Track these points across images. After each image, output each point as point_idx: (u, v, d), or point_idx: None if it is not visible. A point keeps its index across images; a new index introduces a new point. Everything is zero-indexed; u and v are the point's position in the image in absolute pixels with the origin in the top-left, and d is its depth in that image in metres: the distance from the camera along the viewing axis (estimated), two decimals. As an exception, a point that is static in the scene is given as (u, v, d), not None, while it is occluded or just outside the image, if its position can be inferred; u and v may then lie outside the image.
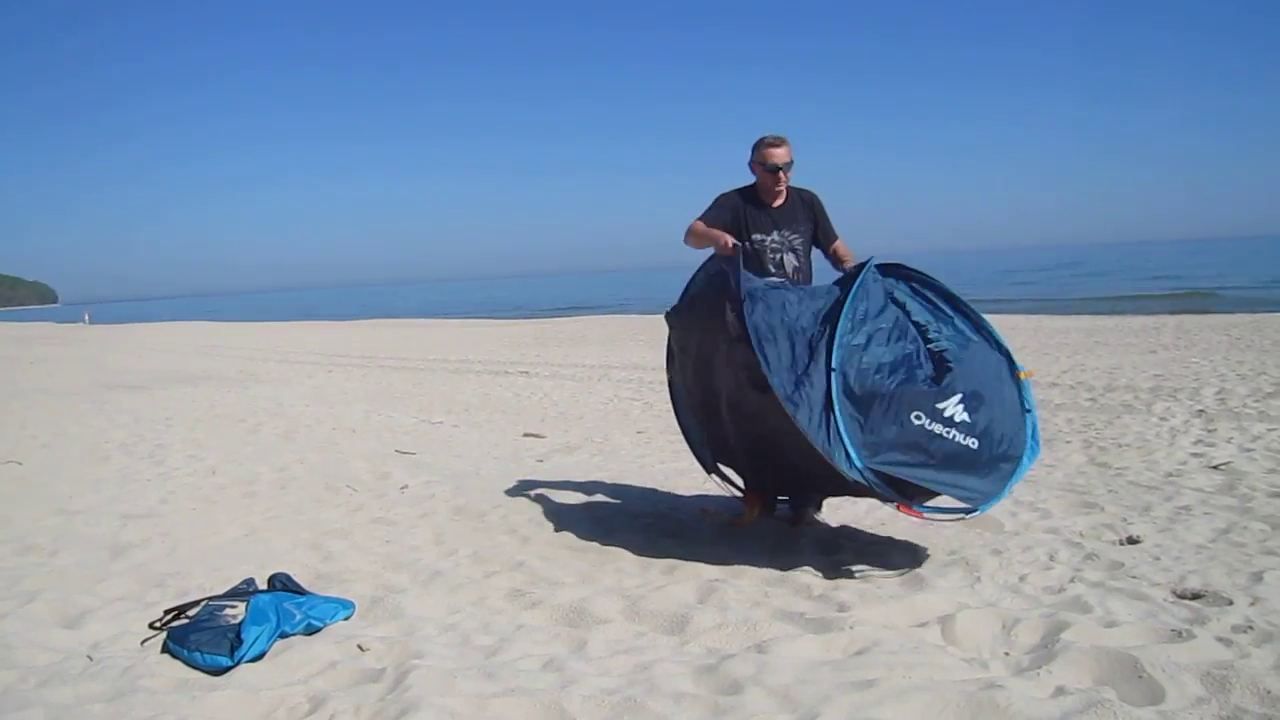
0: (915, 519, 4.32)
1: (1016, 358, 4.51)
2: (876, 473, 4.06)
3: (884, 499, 4.17)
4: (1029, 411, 4.44)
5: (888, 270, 4.58)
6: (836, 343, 4.15)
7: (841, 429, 4.04)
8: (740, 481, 5.10)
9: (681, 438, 5.30)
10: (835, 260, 4.92)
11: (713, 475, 5.18)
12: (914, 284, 4.57)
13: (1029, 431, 4.41)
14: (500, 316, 44.92)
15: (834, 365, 4.12)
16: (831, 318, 4.24)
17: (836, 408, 4.06)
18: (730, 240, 4.61)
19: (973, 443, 4.19)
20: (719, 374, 4.59)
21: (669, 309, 5.00)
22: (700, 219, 4.88)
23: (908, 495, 4.17)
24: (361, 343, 26.96)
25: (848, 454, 4.02)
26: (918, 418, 4.15)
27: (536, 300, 68.99)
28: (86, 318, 63.05)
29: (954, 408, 4.20)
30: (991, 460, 4.23)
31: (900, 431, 4.12)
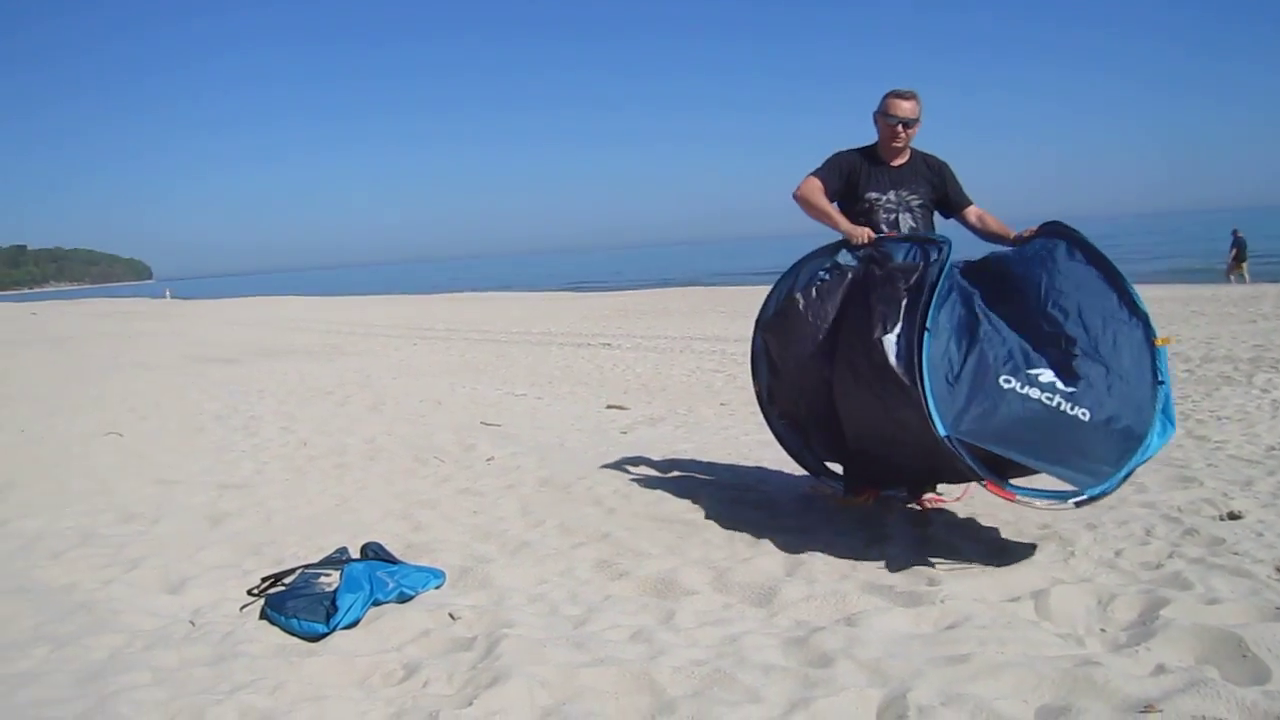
0: (1005, 499, 3.91)
1: (1154, 322, 4.07)
2: (963, 443, 3.76)
3: (975, 476, 3.87)
4: (1161, 383, 3.93)
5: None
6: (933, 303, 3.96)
7: (928, 388, 3.80)
8: (843, 476, 4.88)
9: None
10: (981, 229, 4.72)
11: (821, 478, 4.99)
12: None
13: (1159, 406, 3.90)
14: (582, 289, 45.07)
15: (927, 324, 3.90)
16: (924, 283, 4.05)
17: (925, 369, 3.83)
18: (866, 234, 4.47)
19: (1083, 413, 3.81)
20: (839, 367, 4.35)
21: (765, 317, 4.68)
22: (815, 174, 4.66)
23: (1001, 473, 3.88)
24: (445, 316, 27.29)
25: (932, 418, 3.77)
26: (1006, 381, 3.85)
27: (619, 273, 69.01)
28: (168, 294, 65.79)
29: (1048, 374, 3.88)
30: (1107, 438, 3.81)
31: (989, 399, 3.84)
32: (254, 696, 2.86)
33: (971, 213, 4.76)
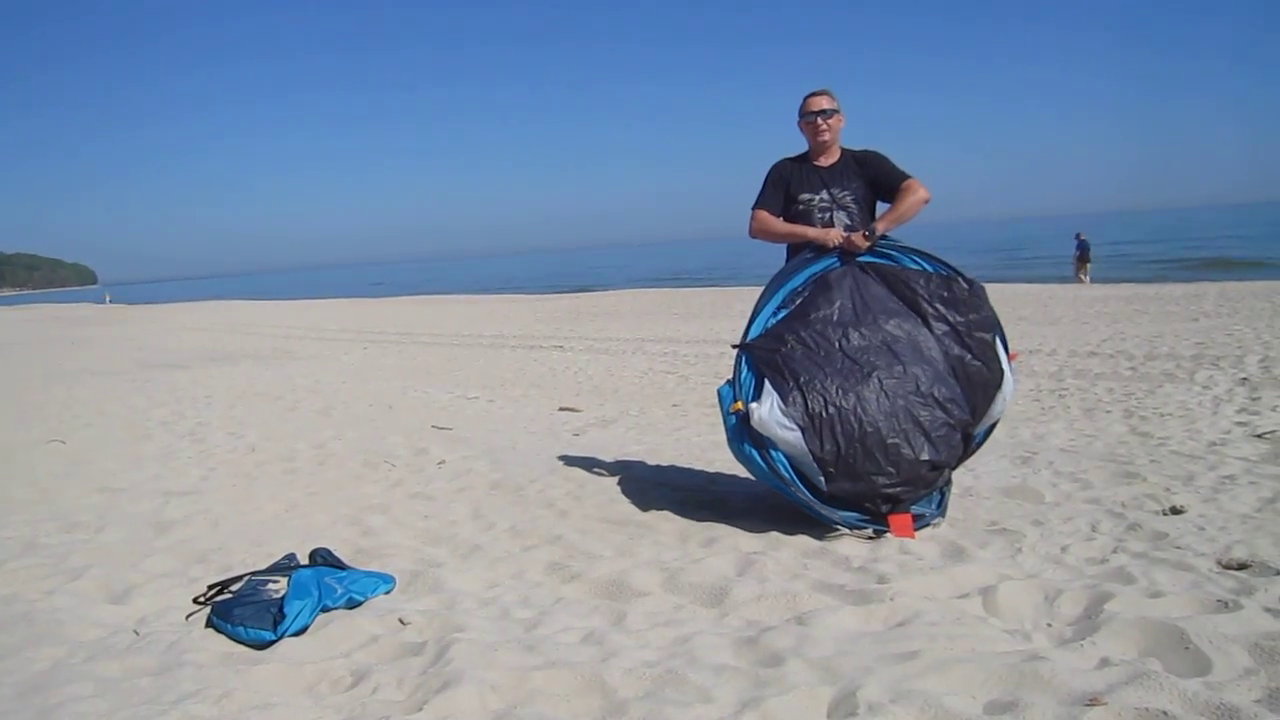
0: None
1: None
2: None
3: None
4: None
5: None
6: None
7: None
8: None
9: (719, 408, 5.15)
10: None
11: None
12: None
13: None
14: (534, 292, 44.98)
15: None
16: None
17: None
18: (837, 235, 4.61)
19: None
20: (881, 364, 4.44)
21: (758, 336, 4.53)
22: (759, 206, 4.82)
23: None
24: (396, 319, 27.10)
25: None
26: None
27: (571, 275, 68.88)
28: (107, 299, 65.83)
29: None
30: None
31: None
32: (200, 706, 2.81)
33: (902, 187, 4.72)
